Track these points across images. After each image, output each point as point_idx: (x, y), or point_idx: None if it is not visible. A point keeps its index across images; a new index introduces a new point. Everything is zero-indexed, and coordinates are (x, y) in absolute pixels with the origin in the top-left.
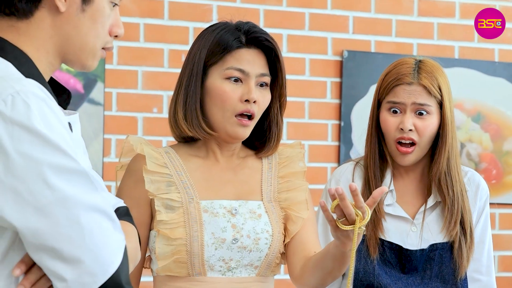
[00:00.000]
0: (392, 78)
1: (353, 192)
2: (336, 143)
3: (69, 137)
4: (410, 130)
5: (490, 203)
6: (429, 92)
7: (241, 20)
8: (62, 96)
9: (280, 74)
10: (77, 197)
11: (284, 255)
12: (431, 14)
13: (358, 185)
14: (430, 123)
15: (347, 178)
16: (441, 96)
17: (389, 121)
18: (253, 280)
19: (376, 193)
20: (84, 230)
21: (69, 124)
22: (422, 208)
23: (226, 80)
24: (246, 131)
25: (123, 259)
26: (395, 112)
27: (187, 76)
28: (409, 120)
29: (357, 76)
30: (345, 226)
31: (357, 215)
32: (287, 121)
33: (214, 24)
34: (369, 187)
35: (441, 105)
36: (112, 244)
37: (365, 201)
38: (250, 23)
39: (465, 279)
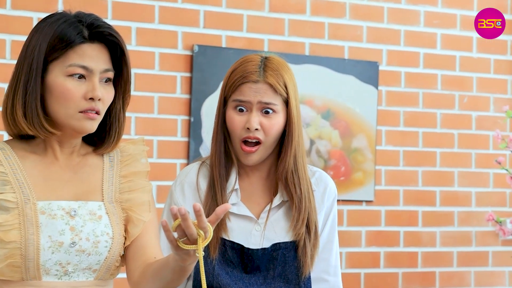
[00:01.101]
0: (238, 76)
1: (196, 212)
2: (186, 139)
3: None
4: (256, 129)
5: (338, 200)
6: (275, 90)
7: (83, 11)
8: None
9: (125, 69)
10: None
11: (124, 258)
12: (283, 10)
13: (203, 184)
14: (276, 122)
15: (192, 180)
16: (287, 94)
17: (235, 119)
18: (91, 284)
19: (219, 210)
20: None
21: None
22: (268, 207)
23: (69, 77)
24: (93, 125)
25: None
26: (241, 110)
27: (26, 71)
28: (255, 119)
29: (208, 71)
30: (186, 246)
31: (199, 235)
32: (136, 116)
33: (51, 15)
34: (214, 186)
35: (287, 103)
36: None
37: (208, 205)
38: (93, 15)
39: (309, 279)
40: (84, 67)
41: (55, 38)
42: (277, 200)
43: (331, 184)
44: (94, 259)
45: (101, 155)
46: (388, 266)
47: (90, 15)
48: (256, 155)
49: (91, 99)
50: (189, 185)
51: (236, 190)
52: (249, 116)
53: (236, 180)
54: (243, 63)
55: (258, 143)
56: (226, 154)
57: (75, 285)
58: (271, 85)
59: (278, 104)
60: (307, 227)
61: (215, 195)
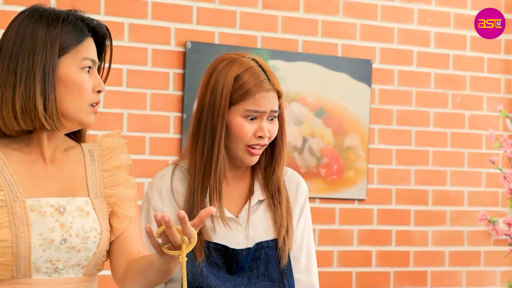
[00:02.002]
0: (251, 85)
1: (181, 219)
2: (178, 136)
3: None
4: (268, 136)
5: (330, 198)
6: (279, 97)
7: (76, 8)
8: None
9: (108, 61)
10: None
11: (108, 253)
12: (276, 7)
13: (180, 187)
14: (277, 126)
15: (167, 187)
16: (281, 98)
17: (245, 127)
18: (80, 280)
19: (203, 213)
20: None
21: None
22: (246, 206)
23: (83, 70)
24: (94, 119)
25: None
26: (252, 118)
27: (41, 66)
28: (266, 127)
29: (201, 68)
30: (171, 251)
31: (183, 241)
32: (128, 112)
33: (41, 13)
34: (193, 189)
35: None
36: None
37: (189, 208)
38: (78, 10)
39: (291, 276)
40: (92, 60)
41: (68, 33)
42: (254, 199)
43: (303, 183)
44: (84, 255)
45: (81, 150)
46: (379, 265)
47: (75, 10)
48: (258, 156)
49: (99, 92)
50: (166, 190)
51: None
52: (259, 124)
53: None
54: (248, 69)
55: (264, 146)
56: (219, 157)
57: (64, 282)
58: (278, 92)
59: (278, 109)
60: (286, 224)
61: (193, 196)
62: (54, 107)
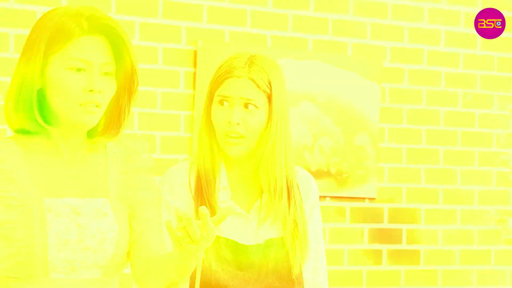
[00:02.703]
0: (223, 71)
1: (203, 216)
2: (189, 135)
3: None
4: (238, 123)
5: (341, 197)
6: (258, 86)
7: (85, 5)
8: None
9: (128, 61)
10: None
11: (128, 253)
12: (286, 6)
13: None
14: (258, 118)
15: (183, 179)
16: (271, 90)
17: (217, 113)
18: (98, 280)
19: (225, 211)
20: None
21: None
22: (257, 203)
23: (68, 70)
24: (93, 118)
25: None
26: (224, 104)
27: (25, 64)
28: (237, 114)
29: (211, 67)
30: (189, 245)
31: (202, 237)
32: (139, 111)
33: (53, 10)
34: (201, 182)
35: (270, 100)
36: None
37: (199, 202)
38: (93, 7)
39: (301, 274)
40: (83, 60)
41: (55, 32)
42: (265, 196)
43: (314, 183)
44: (101, 256)
45: (105, 152)
46: (390, 264)
47: (90, 7)
48: (241, 147)
49: (91, 91)
50: (179, 184)
51: (226, 188)
52: (231, 111)
53: (225, 178)
54: (230, 60)
55: (241, 136)
56: (212, 149)
57: (82, 282)
58: (254, 81)
59: (260, 100)
60: (294, 223)
61: (202, 191)
62: (28, 107)
